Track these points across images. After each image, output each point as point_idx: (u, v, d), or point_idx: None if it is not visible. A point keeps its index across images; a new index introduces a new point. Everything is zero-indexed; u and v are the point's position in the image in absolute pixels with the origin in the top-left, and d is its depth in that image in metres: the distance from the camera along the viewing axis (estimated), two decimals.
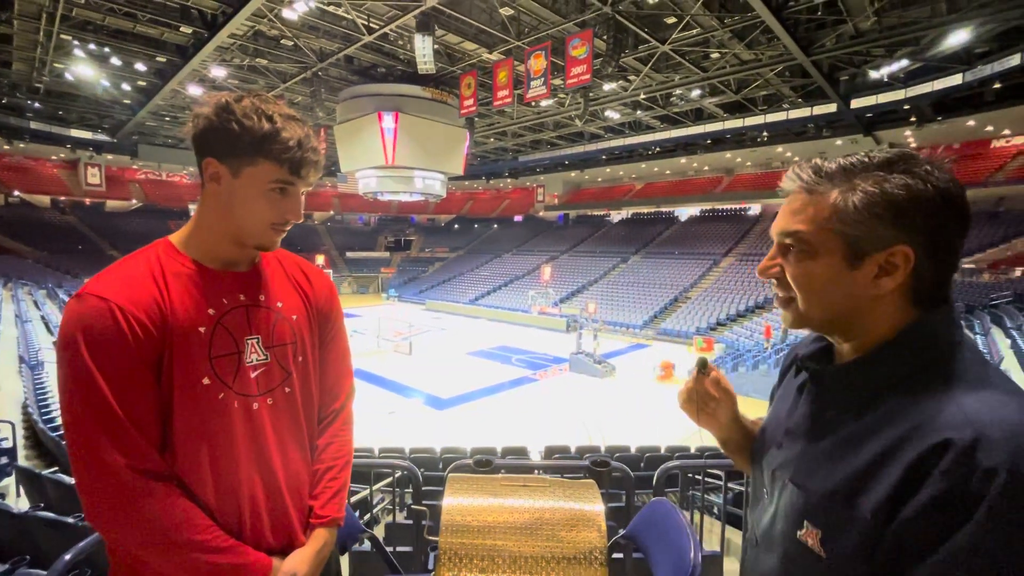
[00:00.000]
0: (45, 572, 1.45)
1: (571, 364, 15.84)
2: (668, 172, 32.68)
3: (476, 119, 19.04)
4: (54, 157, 29.66)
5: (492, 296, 29.74)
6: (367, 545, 1.76)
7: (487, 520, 1.09)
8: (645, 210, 35.01)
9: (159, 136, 26.93)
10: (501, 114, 21.38)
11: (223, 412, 0.88)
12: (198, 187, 0.91)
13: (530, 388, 14.17)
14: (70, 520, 2.38)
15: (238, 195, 0.88)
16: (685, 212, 33.30)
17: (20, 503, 4.11)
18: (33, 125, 23.09)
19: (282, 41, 14.68)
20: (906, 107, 16.68)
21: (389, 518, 3.85)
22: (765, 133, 22.22)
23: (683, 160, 28.35)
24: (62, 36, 13.58)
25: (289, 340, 0.99)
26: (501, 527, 1.08)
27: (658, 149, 27.14)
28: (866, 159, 0.63)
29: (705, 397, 0.91)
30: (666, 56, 14.18)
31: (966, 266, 18.16)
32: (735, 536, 3.02)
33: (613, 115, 20.85)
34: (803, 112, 18.01)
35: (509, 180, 40.25)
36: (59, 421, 6.16)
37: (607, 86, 16.68)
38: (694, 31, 12.77)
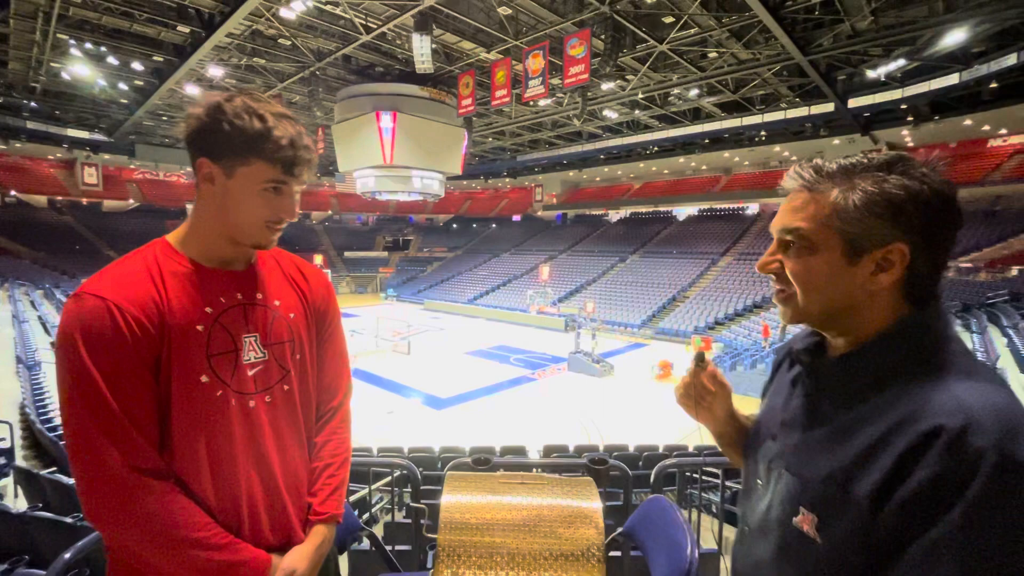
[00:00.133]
0: (44, 572, 1.45)
1: (569, 363, 15.84)
2: (666, 171, 32.69)
3: (474, 118, 19.03)
4: (51, 157, 29.49)
5: (490, 296, 29.75)
6: (366, 544, 1.76)
7: (485, 517, 1.10)
8: (643, 209, 35.04)
9: (156, 136, 26.82)
10: (499, 113, 21.36)
11: (221, 410, 0.88)
12: (195, 187, 0.92)
13: (528, 387, 14.17)
14: (68, 520, 2.37)
15: (232, 195, 0.88)
16: (683, 211, 33.37)
17: (18, 503, 4.10)
18: (30, 125, 23.00)
19: (280, 40, 14.64)
20: (903, 106, 16.73)
21: (388, 517, 3.85)
22: (763, 132, 22.23)
23: (681, 159, 28.34)
24: (59, 35, 13.53)
25: (287, 338, 0.99)
26: (499, 524, 1.09)
27: (656, 148, 27.16)
28: (865, 160, 0.66)
29: (702, 391, 0.93)
30: (664, 55, 14.19)
31: (963, 265, 18.21)
32: (732, 534, 3.02)
33: (611, 114, 20.85)
34: (801, 111, 18.07)
35: (507, 180, 40.25)
36: (57, 421, 6.15)
37: (605, 85, 16.68)
38: (692, 31, 12.78)
